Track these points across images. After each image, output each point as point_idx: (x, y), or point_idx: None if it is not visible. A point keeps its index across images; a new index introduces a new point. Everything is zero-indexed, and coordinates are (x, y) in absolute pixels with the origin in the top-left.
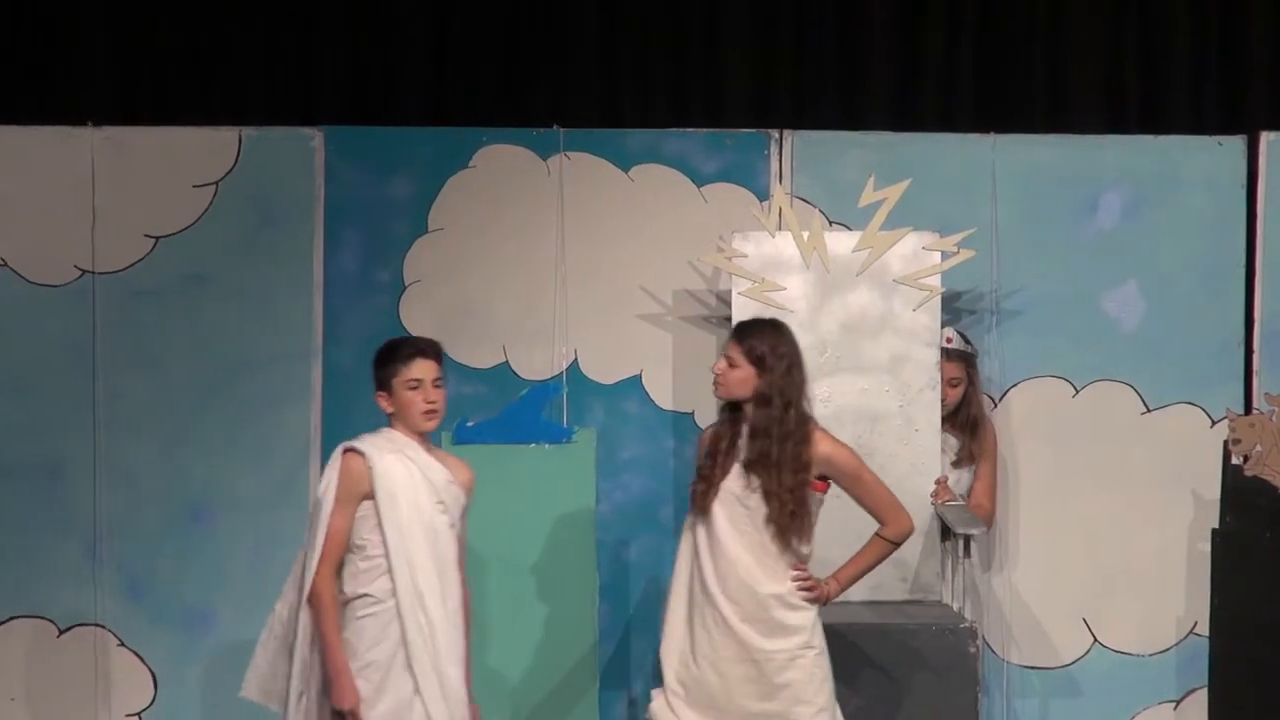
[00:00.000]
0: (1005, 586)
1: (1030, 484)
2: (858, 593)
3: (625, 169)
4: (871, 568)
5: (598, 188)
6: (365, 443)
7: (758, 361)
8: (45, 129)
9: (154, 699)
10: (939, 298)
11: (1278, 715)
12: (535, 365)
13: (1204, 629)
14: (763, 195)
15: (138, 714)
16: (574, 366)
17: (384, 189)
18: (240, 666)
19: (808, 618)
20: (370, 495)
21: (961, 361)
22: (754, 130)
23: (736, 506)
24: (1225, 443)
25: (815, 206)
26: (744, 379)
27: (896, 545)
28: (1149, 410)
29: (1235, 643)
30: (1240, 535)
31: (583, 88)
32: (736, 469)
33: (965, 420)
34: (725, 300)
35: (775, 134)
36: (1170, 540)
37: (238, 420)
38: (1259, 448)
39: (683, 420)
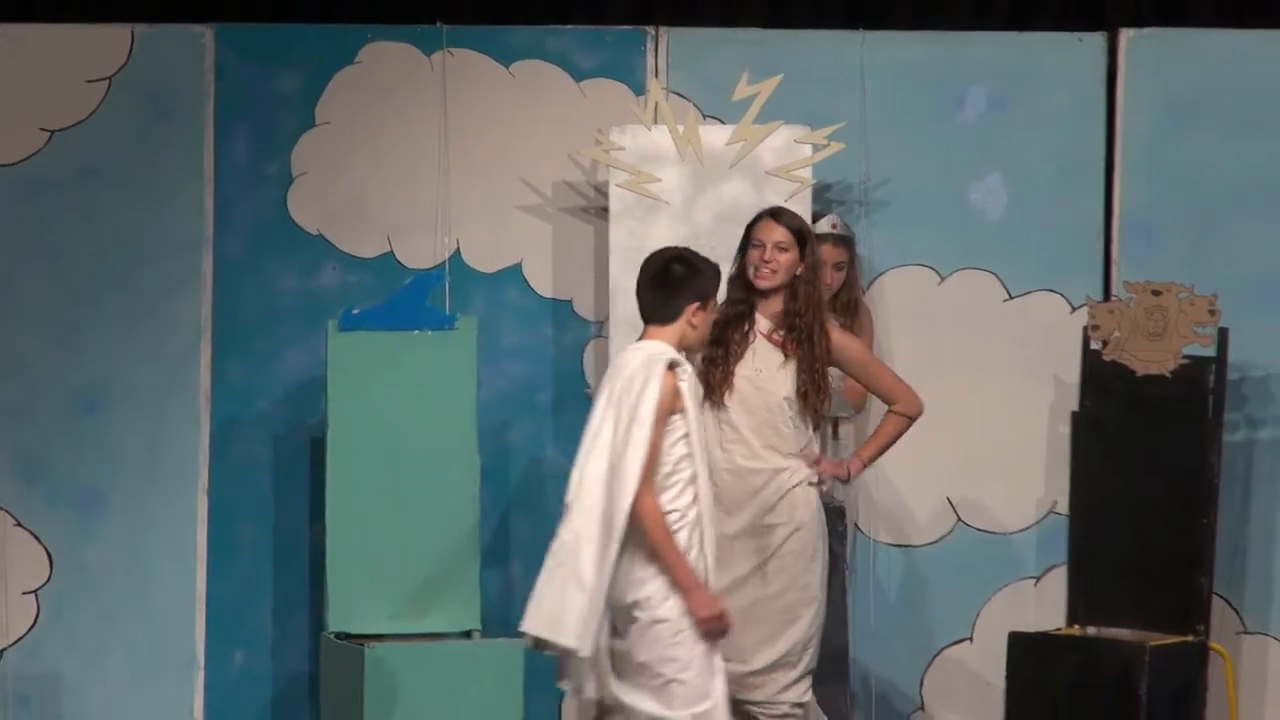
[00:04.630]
0: (872, 468)
1: (897, 369)
2: None
3: (507, 65)
4: (891, 444)
5: (480, 83)
6: (676, 356)
7: (803, 241)
8: None
9: (49, 577)
10: (810, 189)
11: (1132, 589)
12: (419, 254)
13: (1063, 508)
14: (639, 90)
15: (33, 592)
16: (456, 256)
17: (272, 84)
18: (135, 547)
19: (810, 495)
20: (677, 410)
21: (843, 245)
22: (632, 27)
23: (749, 388)
24: (1085, 329)
25: (690, 101)
26: (794, 261)
27: (911, 420)
28: (1011, 297)
29: (1092, 520)
30: (1098, 417)
31: None
32: (754, 352)
33: (846, 303)
34: (603, 192)
35: (652, 31)
36: (1031, 423)
37: (130, 310)
38: (1117, 333)
39: (562, 307)
